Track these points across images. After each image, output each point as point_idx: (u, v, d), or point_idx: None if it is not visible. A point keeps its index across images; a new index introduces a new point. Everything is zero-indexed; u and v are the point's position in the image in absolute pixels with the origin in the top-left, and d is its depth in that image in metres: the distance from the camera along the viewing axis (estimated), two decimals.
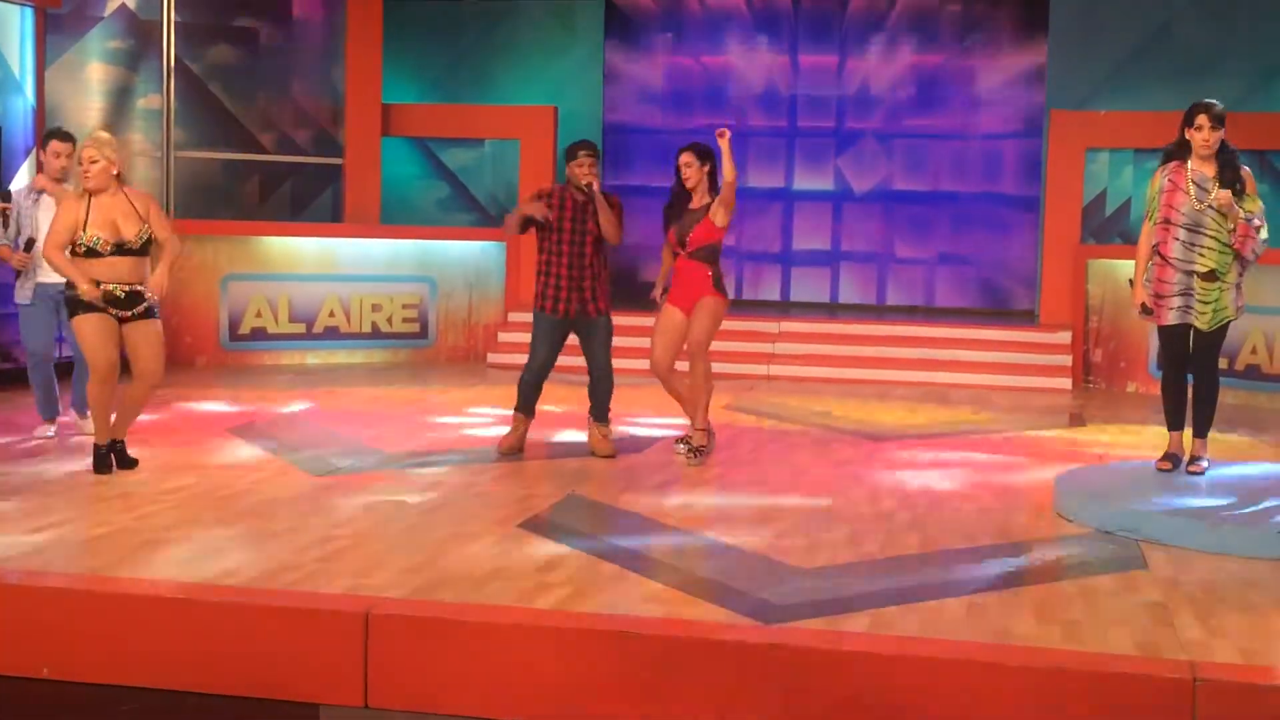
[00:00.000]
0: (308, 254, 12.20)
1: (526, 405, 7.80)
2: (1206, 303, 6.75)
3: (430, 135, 13.93)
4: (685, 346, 7.66)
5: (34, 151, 10.71)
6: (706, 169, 7.59)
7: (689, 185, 7.59)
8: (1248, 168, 6.74)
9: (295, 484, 6.82)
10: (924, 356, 11.90)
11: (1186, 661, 4.30)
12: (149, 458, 7.20)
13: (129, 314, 6.85)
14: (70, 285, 6.81)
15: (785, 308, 14.39)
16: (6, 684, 4.74)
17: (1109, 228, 12.77)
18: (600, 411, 7.82)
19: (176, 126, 11.99)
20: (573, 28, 14.56)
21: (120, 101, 11.88)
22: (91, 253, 6.76)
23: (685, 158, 7.59)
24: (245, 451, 7.66)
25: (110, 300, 6.79)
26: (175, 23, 11.93)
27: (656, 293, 7.83)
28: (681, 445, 7.77)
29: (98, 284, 6.75)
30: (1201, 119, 6.72)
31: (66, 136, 7.93)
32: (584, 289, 7.68)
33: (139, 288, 6.85)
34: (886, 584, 5.24)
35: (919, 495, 6.94)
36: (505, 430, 7.92)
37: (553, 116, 13.45)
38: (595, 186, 7.61)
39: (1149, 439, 8.56)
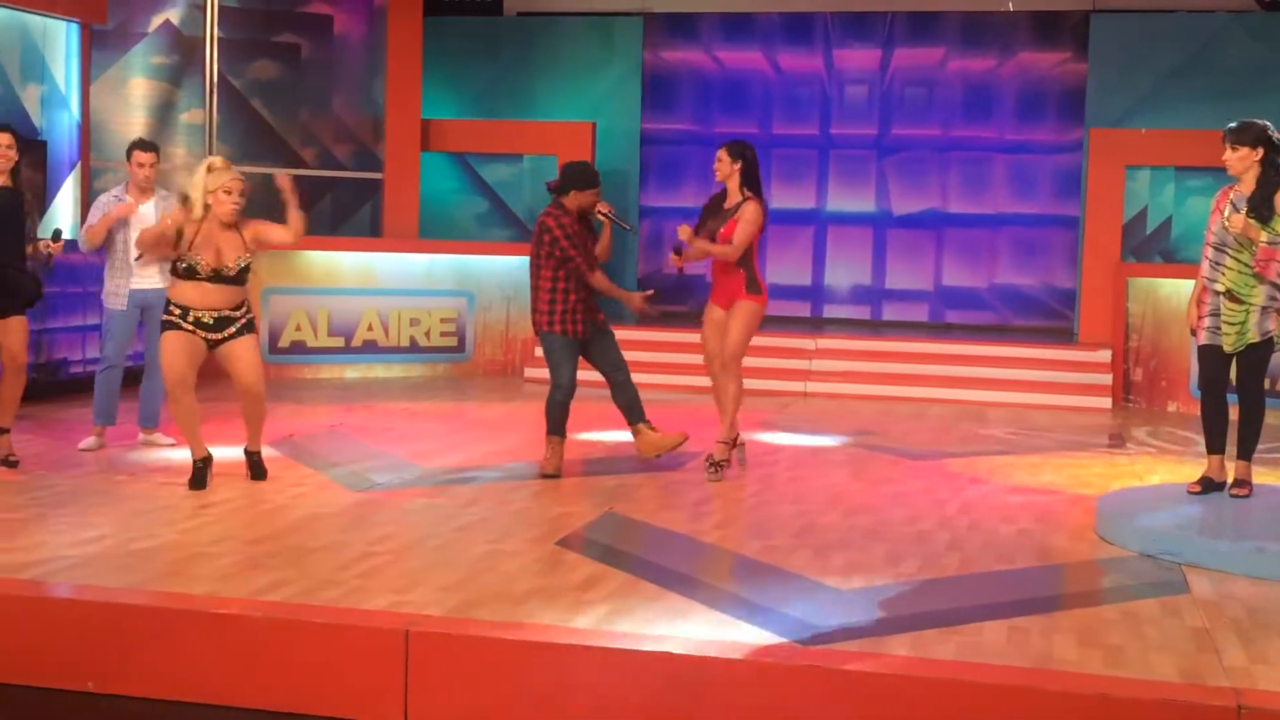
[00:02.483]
0: (347, 268, 12.28)
1: (559, 427, 7.70)
2: (1231, 324, 6.71)
3: (469, 150, 14.02)
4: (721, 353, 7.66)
5: (78, 165, 10.83)
6: (738, 166, 7.57)
7: (719, 177, 7.60)
8: None
9: (334, 499, 6.85)
10: (962, 374, 11.85)
11: (1230, 689, 4.26)
12: (186, 471, 7.24)
13: (219, 337, 6.91)
14: (168, 304, 6.92)
15: (821, 324, 14.35)
16: (52, 697, 4.78)
17: (1149, 245, 12.72)
18: (636, 412, 7.81)
19: (218, 141, 12.09)
20: (611, 44, 14.61)
21: (163, 116, 11.99)
22: (190, 273, 6.81)
23: (718, 153, 7.62)
24: (285, 466, 7.69)
25: (198, 325, 6.86)
26: (218, 38, 12.03)
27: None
28: (711, 470, 7.73)
29: (186, 310, 6.86)
30: (1224, 141, 6.73)
31: (151, 146, 8.06)
32: (591, 307, 7.72)
33: (229, 313, 6.91)
34: (925, 606, 5.21)
35: (958, 516, 6.92)
36: (533, 446, 7.91)
37: (591, 132, 13.50)
38: (611, 213, 7.71)
39: (1191, 460, 8.50)
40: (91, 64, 11.17)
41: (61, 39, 10.73)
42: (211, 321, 6.88)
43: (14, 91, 10.23)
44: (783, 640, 4.67)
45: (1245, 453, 6.84)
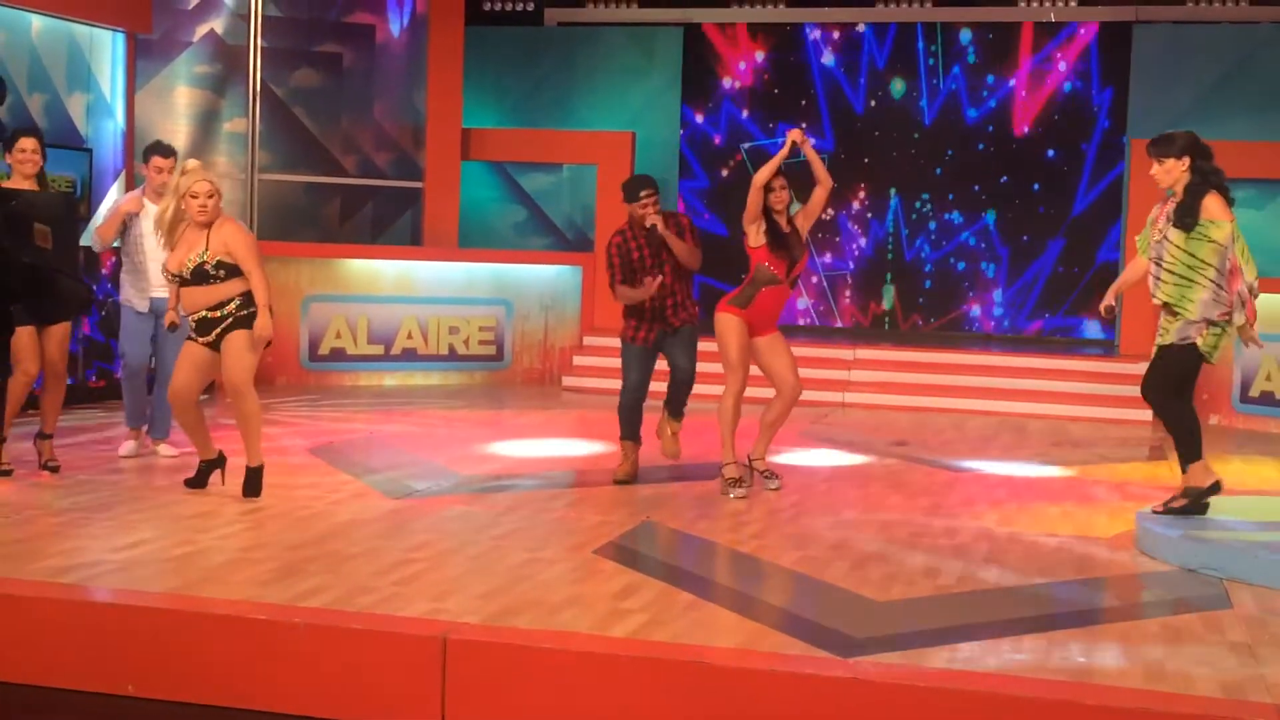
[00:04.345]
0: (387, 276, 12.34)
1: (632, 431, 7.78)
2: (1165, 332, 6.64)
3: (509, 159, 14.06)
4: (782, 388, 7.57)
5: (123, 173, 10.92)
6: (790, 194, 7.50)
7: (778, 209, 7.40)
8: (1215, 193, 6.50)
9: (373, 506, 6.88)
10: (1001, 386, 11.79)
11: (1273, 705, 4.22)
12: (228, 477, 7.29)
13: (209, 339, 6.84)
14: None
15: (860, 334, 14.28)
16: (92, 701, 4.82)
17: None
18: (676, 408, 7.81)
19: (261, 149, 12.16)
20: (651, 54, 14.63)
21: (206, 125, 12.09)
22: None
23: (779, 180, 7.36)
24: (323, 473, 7.73)
25: (194, 330, 6.86)
26: (261, 48, 12.11)
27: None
28: (773, 481, 7.71)
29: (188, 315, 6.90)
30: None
31: (169, 151, 8.01)
32: (665, 315, 7.68)
33: (206, 314, 6.80)
34: (964, 618, 5.19)
35: (997, 528, 6.88)
36: (583, 455, 7.93)
37: (630, 142, 13.53)
38: (659, 227, 7.54)
39: (1232, 474, 8.42)
40: (136, 73, 11.26)
41: (107, 48, 10.83)
42: (195, 324, 6.85)
43: (60, 100, 10.33)
44: (820, 652, 4.66)
45: (1181, 459, 6.71)
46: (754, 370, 7.59)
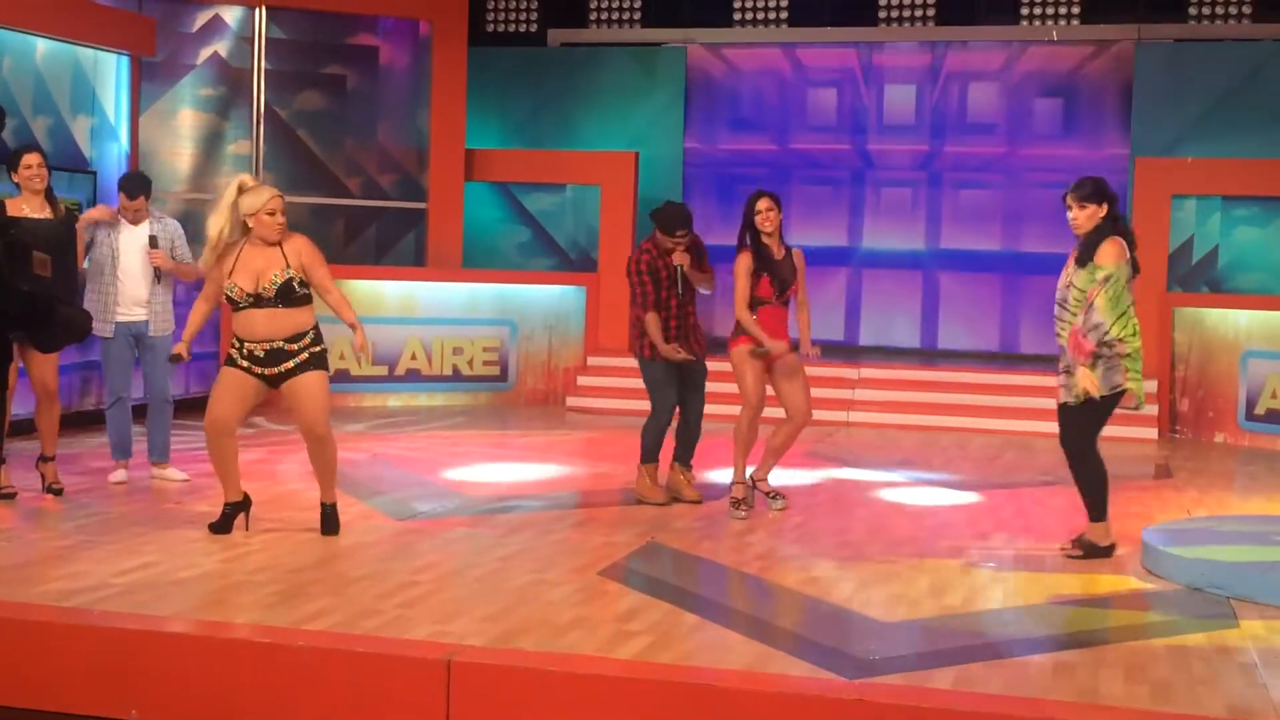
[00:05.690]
0: (390, 297, 12.35)
1: (650, 453, 7.74)
2: (1067, 384, 6.61)
3: (512, 180, 14.07)
4: (793, 413, 7.53)
5: None
6: (780, 216, 7.52)
7: (767, 230, 7.41)
8: (1117, 239, 6.49)
9: (377, 528, 6.87)
10: (1006, 404, 11.76)
11: None
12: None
13: (275, 371, 6.48)
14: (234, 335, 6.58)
15: (863, 353, 14.27)
16: None
17: (1196, 275, 12.61)
18: (686, 456, 7.82)
19: (265, 171, 12.18)
20: (654, 73, 14.66)
21: (210, 147, 12.10)
22: (232, 302, 6.46)
23: (765, 203, 7.38)
24: None
25: (251, 359, 6.47)
26: (265, 70, 12.14)
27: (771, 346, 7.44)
28: (778, 501, 7.68)
29: (241, 343, 6.49)
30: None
31: (131, 188, 7.81)
32: (686, 339, 7.70)
33: (282, 344, 6.47)
34: (970, 639, 5.18)
35: (1003, 547, 6.87)
36: (588, 476, 7.89)
37: (634, 162, 13.54)
38: (686, 266, 7.61)
39: (1239, 492, 8.41)
40: (141, 96, 11.29)
41: (112, 71, 10.87)
42: (263, 355, 6.43)
43: (65, 123, 10.36)
44: (825, 673, 4.65)
45: (1090, 513, 6.66)
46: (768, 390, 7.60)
